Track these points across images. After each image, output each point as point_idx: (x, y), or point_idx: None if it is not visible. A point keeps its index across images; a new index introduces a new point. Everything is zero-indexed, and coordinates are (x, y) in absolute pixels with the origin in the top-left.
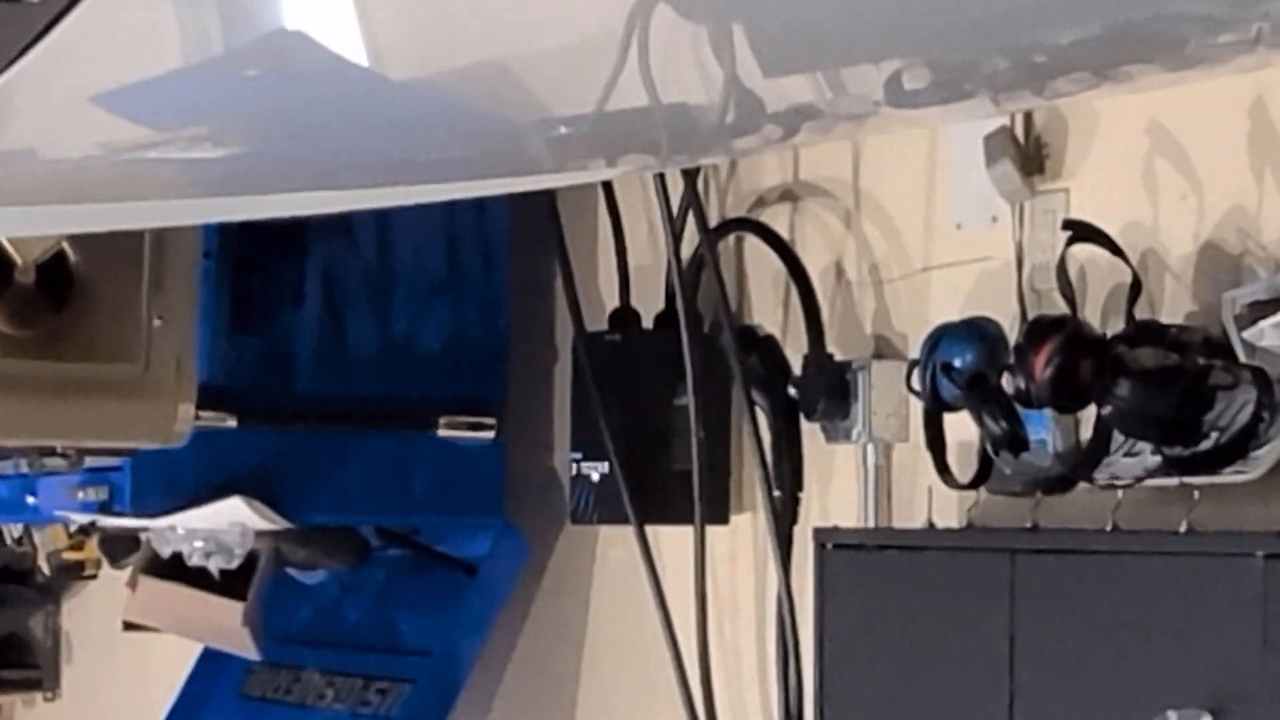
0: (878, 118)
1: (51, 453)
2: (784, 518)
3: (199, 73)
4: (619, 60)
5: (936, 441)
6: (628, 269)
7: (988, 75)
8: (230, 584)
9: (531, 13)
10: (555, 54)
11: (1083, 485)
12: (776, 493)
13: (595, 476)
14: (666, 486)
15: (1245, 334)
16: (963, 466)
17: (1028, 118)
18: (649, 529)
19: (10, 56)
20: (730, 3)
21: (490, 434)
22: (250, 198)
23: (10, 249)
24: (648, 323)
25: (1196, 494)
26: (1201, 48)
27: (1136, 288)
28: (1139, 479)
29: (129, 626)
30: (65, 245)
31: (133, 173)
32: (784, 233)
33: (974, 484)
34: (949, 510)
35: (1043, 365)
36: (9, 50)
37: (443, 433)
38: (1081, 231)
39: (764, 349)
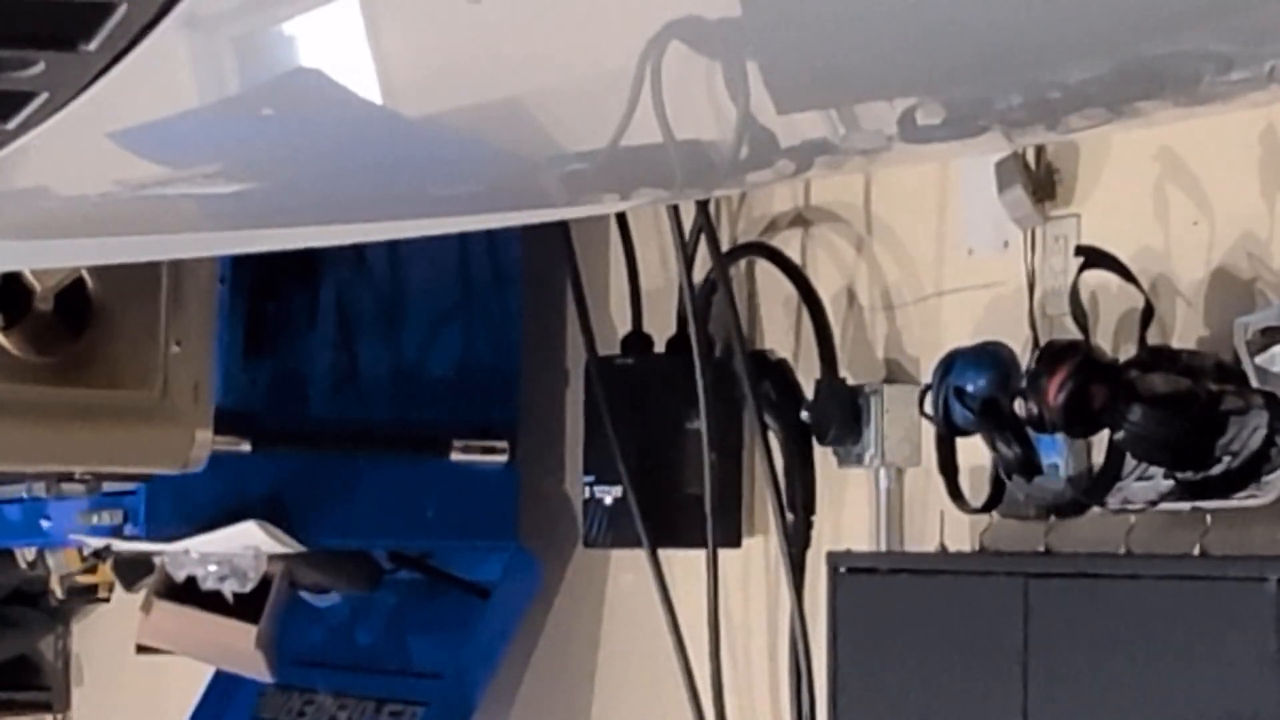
0: (890, 153)
1: (69, 478)
2: (796, 541)
3: (216, 111)
4: (632, 96)
5: (949, 465)
6: (640, 293)
7: (1001, 111)
8: (244, 607)
9: (545, 50)
10: (569, 90)
11: (1095, 509)
12: (789, 516)
13: (608, 500)
14: (679, 510)
15: (1257, 359)
16: (975, 491)
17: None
18: (661, 552)
19: (62, 102)
20: (744, 39)
21: (503, 458)
22: (266, 231)
23: (30, 276)
24: (660, 347)
25: (1209, 518)
26: (1214, 85)
27: (1148, 313)
28: (1151, 503)
29: (143, 649)
30: (84, 273)
31: (151, 208)
32: (796, 257)
33: (986, 508)
34: (961, 534)
35: (1055, 390)
36: (63, 96)
37: (456, 457)
38: (1093, 257)
39: (776, 373)
